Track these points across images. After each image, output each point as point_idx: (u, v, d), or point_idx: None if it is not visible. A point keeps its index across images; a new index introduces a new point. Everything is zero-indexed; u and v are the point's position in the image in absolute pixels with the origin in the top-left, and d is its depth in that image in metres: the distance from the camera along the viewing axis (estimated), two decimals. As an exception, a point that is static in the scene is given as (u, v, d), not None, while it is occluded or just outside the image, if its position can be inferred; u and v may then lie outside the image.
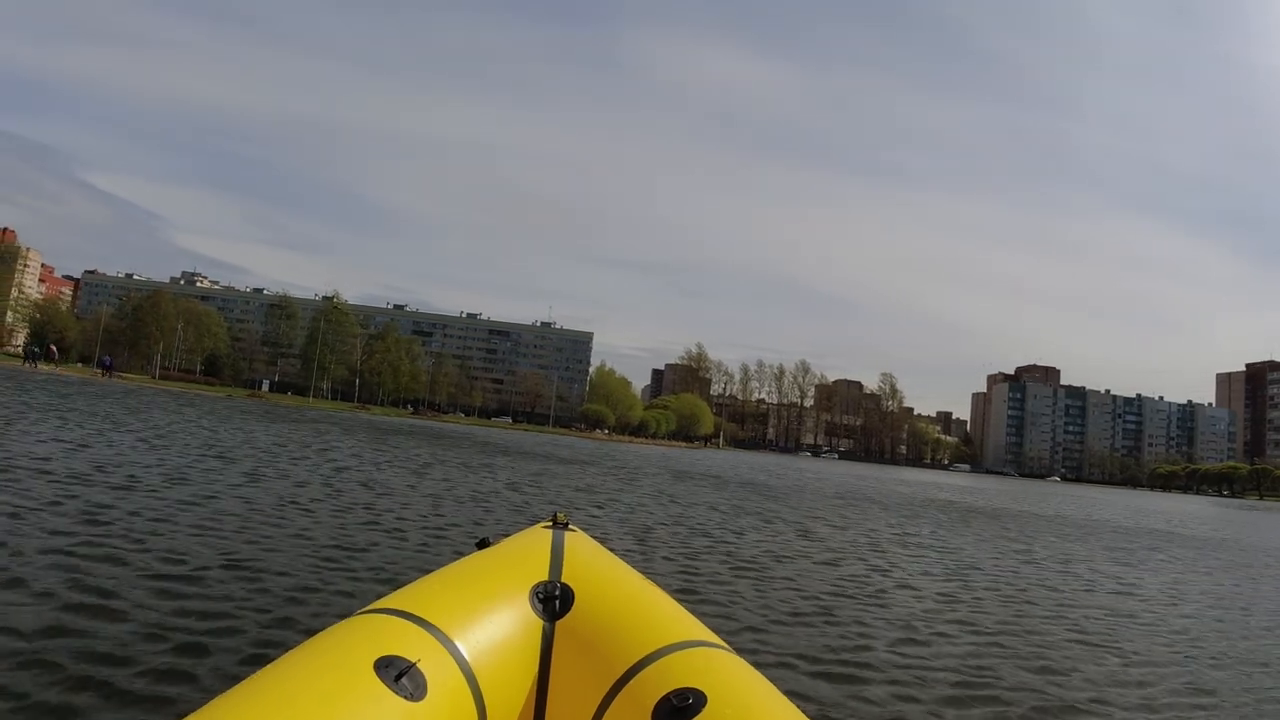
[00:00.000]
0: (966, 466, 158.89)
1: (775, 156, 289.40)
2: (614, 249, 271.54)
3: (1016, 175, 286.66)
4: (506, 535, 1.97)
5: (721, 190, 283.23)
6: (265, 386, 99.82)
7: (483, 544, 1.89)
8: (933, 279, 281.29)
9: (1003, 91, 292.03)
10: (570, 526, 2.00)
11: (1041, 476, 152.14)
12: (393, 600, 1.49)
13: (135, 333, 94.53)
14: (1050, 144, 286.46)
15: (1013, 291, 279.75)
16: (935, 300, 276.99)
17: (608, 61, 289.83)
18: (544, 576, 1.65)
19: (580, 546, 1.86)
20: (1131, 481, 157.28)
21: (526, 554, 1.76)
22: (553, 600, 1.60)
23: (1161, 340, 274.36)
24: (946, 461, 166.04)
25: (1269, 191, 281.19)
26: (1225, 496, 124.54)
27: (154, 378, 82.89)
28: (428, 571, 1.74)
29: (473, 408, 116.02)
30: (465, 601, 1.52)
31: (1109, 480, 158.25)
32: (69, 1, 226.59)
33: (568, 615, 1.59)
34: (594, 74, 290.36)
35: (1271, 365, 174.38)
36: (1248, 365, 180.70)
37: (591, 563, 1.78)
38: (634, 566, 1.88)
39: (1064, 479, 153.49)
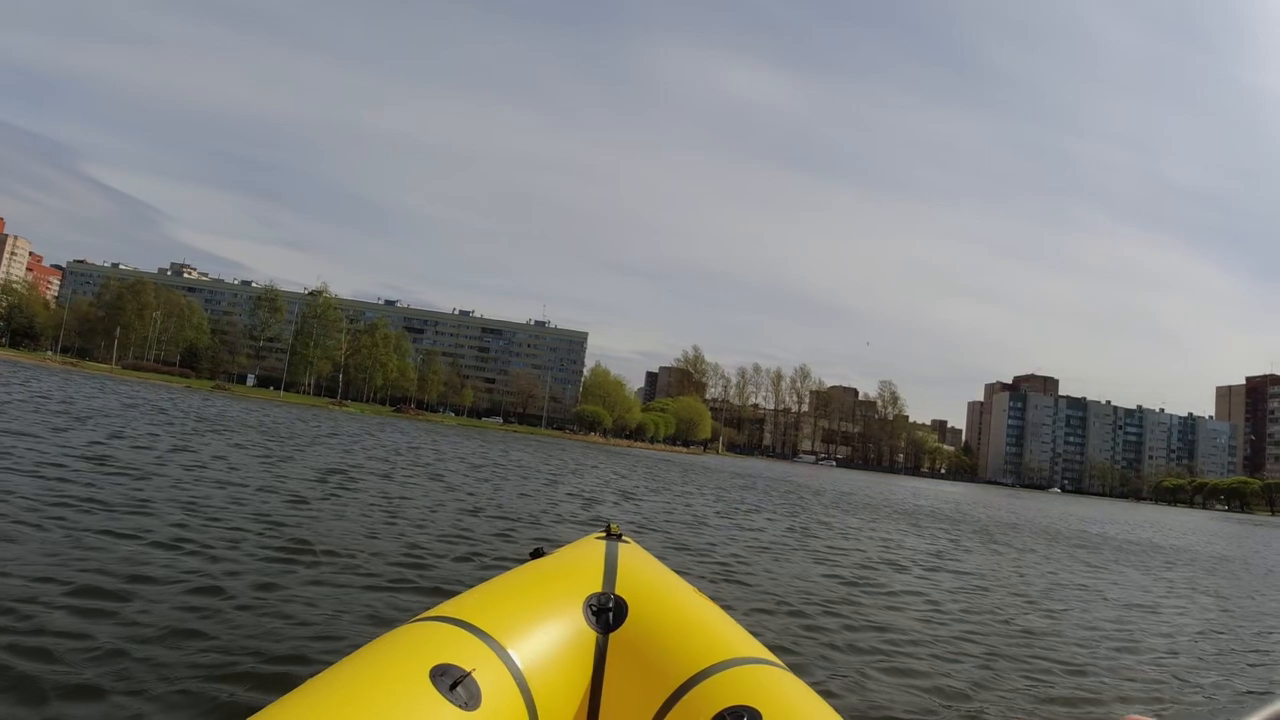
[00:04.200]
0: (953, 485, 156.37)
1: (774, 164, 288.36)
2: (612, 253, 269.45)
3: (1018, 187, 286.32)
4: (560, 545, 1.97)
5: (721, 196, 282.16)
6: (249, 380, 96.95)
7: (537, 554, 1.88)
8: (929, 288, 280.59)
9: (1006, 105, 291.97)
10: (624, 538, 1.99)
11: (1042, 488, 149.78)
12: (447, 608, 1.50)
13: (112, 321, 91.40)
14: (1052, 157, 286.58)
15: (1010, 302, 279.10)
16: (931, 309, 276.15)
17: (613, 68, 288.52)
18: (597, 588, 1.65)
19: (634, 558, 1.84)
20: (1133, 494, 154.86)
21: (580, 565, 1.75)
22: (606, 612, 1.59)
23: (1160, 353, 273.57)
24: (943, 471, 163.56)
25: (1269, 210, 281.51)
26: (1233, 512, 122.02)
27: (121, 367, 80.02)
28: (481, 580, 1.76)
29: (463, 407, 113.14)
30: (519, 611, 1.51)
31: (1109, 493, 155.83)
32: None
33: (621, 628, 1.58)
34: (600, 80, 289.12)
35: (1272, 379, 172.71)
36: (1248, 379, 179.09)
37: (645, 575, 1.77)
38: (687, 580, 1.88)
39: (1064, 490, 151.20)
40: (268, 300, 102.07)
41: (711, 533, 9.61)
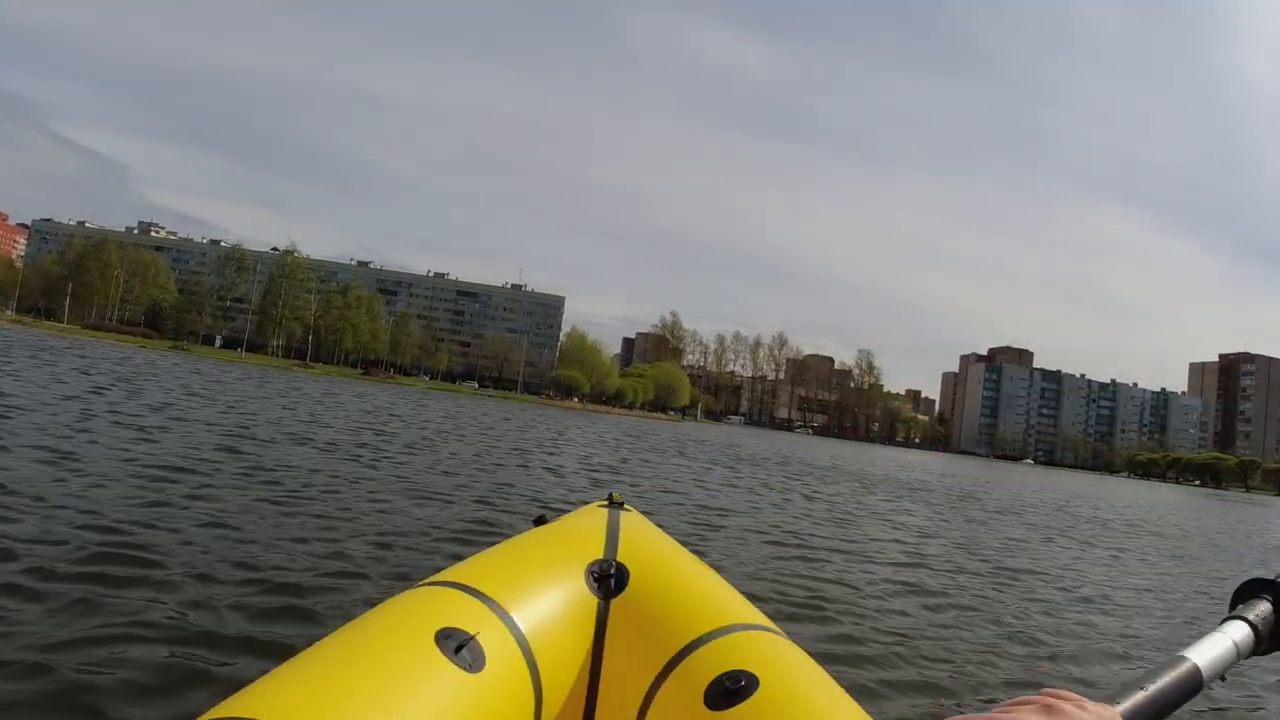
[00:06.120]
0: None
1: (752, 131, 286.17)
2: (588, 217, 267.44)
3: (995, 160, 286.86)
4: (563, 513, 1.97)
5: (700, 163, 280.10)
6: (216, 342, 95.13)
7: (539, 521, 1.90)
8: (906, 259, 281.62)
9: (986, 79, 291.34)
10: (626, 506, 2.00)
11: (1015, 459, 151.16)
12: (452, 573, 1.52)
13: (76, 281, 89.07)
14: (1029, 130, 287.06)
15: (986, 274, 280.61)
16: (906, 279, 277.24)
17: (594, 31, 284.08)
18: (599, 555, 1.66)
19: (635, 526, 1.86)
20: (1105, 467, 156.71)
21: (582, 532, 1.77)
22: (608, 579, 1.61)
23: (1134, 328, 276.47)
24: (918, 440, 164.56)
25: (1243, 191, 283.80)
26: (1204, 486, 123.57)
27: (81, 327, 78.14)
28: (486, 546, 1.76)
29: (437, 371, 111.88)
30: (522, 577, 1.53)
31: (1081, 465, 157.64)
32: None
33: (622, 594, 1.60)
34: (580, 43, 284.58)
35: (1245, 357, 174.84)
36: (1221, 356, 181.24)
37: (646, 543, 1.78)
38: (688, 548, 1.89)
39: (1037, 462, 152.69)
40: (235, 259, 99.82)
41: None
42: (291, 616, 3.42)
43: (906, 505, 13.65)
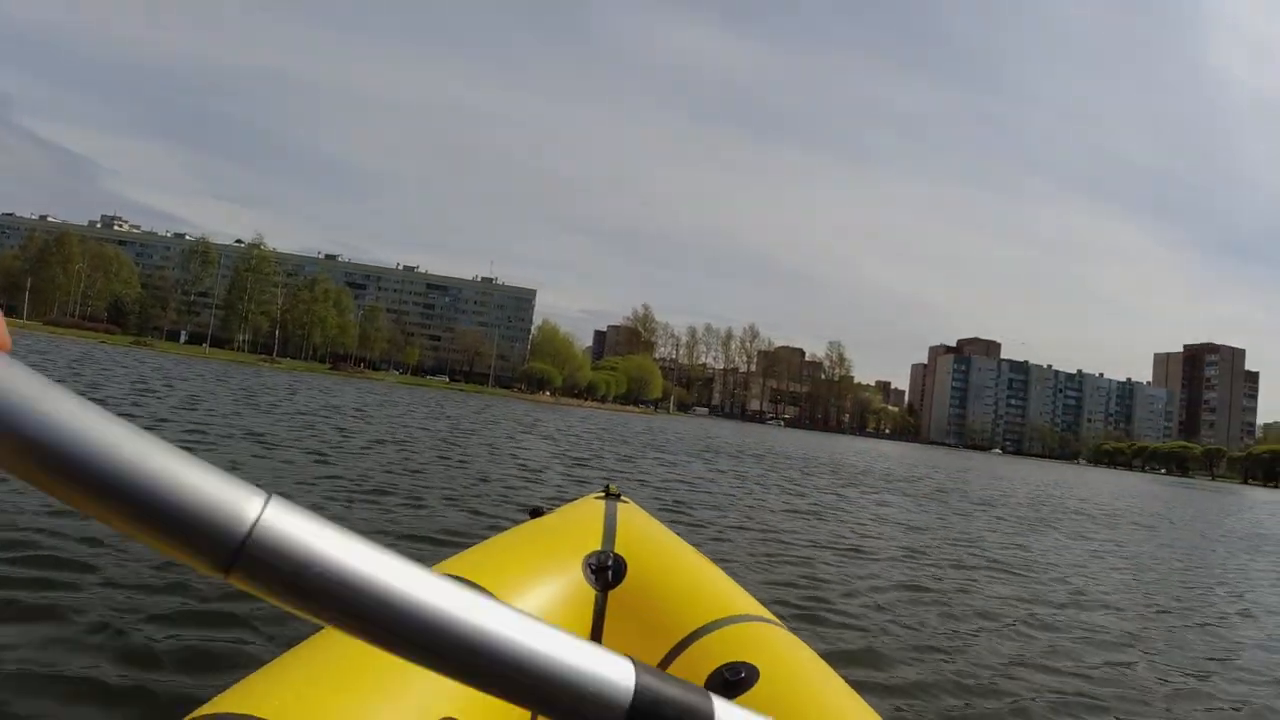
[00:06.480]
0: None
1: (723, 125, 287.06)
2: (561, 212, 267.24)
3: (966, 155, 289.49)
4: (559, 505, 1.96)
5: (673, 157, 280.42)
6: (182, 337, 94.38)
7: (536, 513, 1.89)
8: (874, 251, 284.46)
9: (957, 74, 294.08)
10: (623, 498, 1.98)
11: (984, 449, 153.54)
12: (448, 566, 1.51)
13: (37, 276, 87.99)
14: (1001, 126, 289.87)
15: (954, 267, 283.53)
16: (874, 271, 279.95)
17: (570, 24, 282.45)
18: (596, 546, 1.64)
19: (632, 518, 1.84)
20: (1072, 456, 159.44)
21: (579, 524, 1.75)
22: (605, 570, 1.59)
23: (1100, 320, 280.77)
24: (888, 431, 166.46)
25: (1210, 186, 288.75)
26: (1170, 475, 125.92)
27: (43, 323, 77.35)
28: (483, 538, 1.75)
29: (407, 365, 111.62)
30: (519, 569, 1.52)
31: (1048, 454, 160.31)
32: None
33: (620, 586, 1.58)
34: (555, 36, 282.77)
35: (1209, 348, 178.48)
36: (1186, 347, 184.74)
37: (644, 534, 1.77)
38: (685, 539, 1.87)
39: (1005, 452, 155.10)
40: (200, 253, 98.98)
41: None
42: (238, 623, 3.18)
43: (889, 498, 13.37)
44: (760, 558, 5.98)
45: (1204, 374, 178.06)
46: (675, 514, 7.78)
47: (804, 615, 4.37)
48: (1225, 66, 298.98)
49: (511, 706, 1.13)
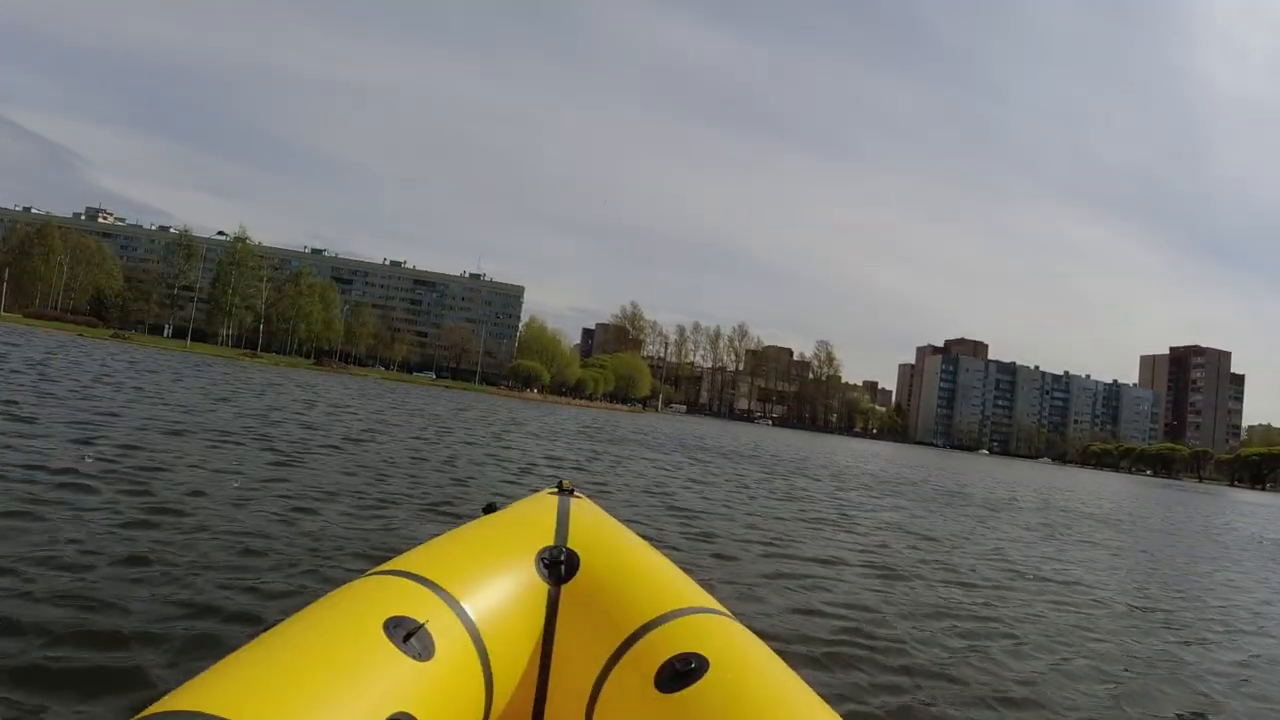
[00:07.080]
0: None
1: (711, 123, 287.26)
2: (548, 208, 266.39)
3: (953, 156, 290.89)
4: (513, 501, 1.99)
5: (661, 155, 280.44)
6: (166, 331, 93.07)
7: (489, 509, 1.92)
8: (864, 252, 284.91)
9: (944, 75, 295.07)
10: (576, 493, 2.02)
11: (971, 449, 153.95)
12: (401, 562, 1.52)
13: (18, 268, 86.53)
14: (988, 128, 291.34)
15: (942, 268, 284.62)
16: (865, 272, 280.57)
17: (557, 19, 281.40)
18: (549, 541, 1.67)
19: (585, 513, 1.88)
20: (1058, 457, 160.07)
21: (532, 519, 1.78)
22: (558, 565, 1.62)
23: (1086, 321, 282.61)
24: (875, 431, 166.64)
25: (1195, 188, 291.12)
26: (1157, 476, 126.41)
27: (24, 315, 76.13)
28: (436, 535, 1.76)
29: (393, 361, 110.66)
30: (472, 565, 1.54)
31: (1035, 455, 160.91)
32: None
33: (573, 580, 1.61)
34: (543, 31, 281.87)
35: (1195, 350, 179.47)
36: (1171, 349, 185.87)
37: (597, 529, 1.80)
38: (638, 534, 1.90)
39: (992, 453, 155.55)
40: (184, 246, 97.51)
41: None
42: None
43: (895, 502, 12.93)
44: (766, 573, 5.27)
45: (1190, 376, 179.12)
46: (676, 515, 7.46)
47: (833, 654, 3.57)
48: (1209, 69, 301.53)
49: (464, 703, 1.39)
